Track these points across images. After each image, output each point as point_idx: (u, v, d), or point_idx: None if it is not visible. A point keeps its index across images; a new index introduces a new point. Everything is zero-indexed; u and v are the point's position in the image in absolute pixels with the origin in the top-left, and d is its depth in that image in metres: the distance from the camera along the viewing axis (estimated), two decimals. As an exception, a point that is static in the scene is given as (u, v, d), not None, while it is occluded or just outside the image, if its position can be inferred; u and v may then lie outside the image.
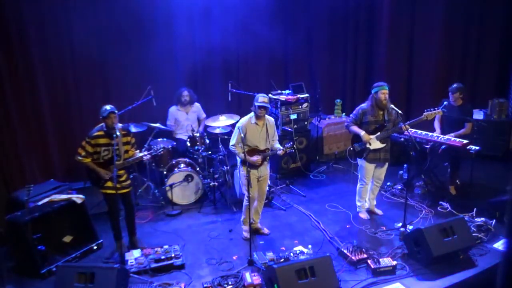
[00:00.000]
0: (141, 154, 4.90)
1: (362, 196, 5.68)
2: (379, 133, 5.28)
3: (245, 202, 5.17)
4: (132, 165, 5.27)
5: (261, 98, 4.90)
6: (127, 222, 5.09)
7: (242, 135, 4.89)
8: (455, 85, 5.92)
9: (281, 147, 5.09)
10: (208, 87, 7.47)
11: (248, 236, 4.99)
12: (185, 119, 6.75)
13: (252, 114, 5.04)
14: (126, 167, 4.92)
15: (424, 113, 5.23)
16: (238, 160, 5.20)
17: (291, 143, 5.13)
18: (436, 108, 5.25)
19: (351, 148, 5.58)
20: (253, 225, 5.21)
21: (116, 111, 4.68)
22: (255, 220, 5.35)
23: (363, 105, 5.39)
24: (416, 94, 8.11)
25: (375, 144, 5.31)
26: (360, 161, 5.50)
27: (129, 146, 4.87)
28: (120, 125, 4.77)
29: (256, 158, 4.97)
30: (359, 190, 5.65)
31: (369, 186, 5.64)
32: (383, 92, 5.17)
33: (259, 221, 5.43)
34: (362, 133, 5.29)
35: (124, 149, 4.78)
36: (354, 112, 5.47)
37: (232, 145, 5.03)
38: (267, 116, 5.08)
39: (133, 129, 5.96)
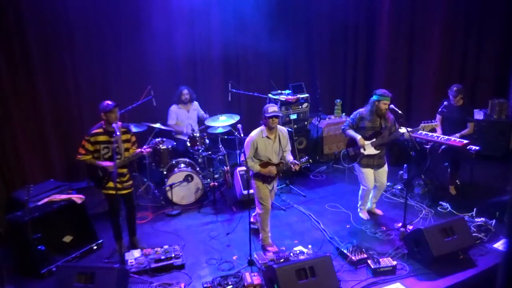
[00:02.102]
0: (140, 150, 4.86)
1: (365, 200, 5.67)
2: (374, 140, 5.26)
3: (261, 216, 4.95)
4: (133, 165, 5.25)
5: (271, 108, 4.70)
6: (127, 223, 5.09)
7: (253, 149, 4.76)
8: (455, 88, 5.88)
9: (296, 161, 4.80)
10: (208, 87, 7.48)
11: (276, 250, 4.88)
12: (186, 117, 6.74)
13: (262, 127, 4.80)
14: (128, 166, 4.90)
15: (420, 124, 5.21)
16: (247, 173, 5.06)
17: (307, 157, 4.97)
18: (433, 121, 5.24)
19: (346, 152, 5.58)
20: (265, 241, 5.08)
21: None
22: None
23: (361, 110, 5.36)
24: (416, 94, 8.12)
25: (369, 150, 5.28)
26: (356, 166, 5.47)
27: (130, 144, 4.85)
28: (119, 123, 4.76)
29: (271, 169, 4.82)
30: (361, 194, 5.61)
31: (371, 191, 5.58)
32: (385, 102, 5.12)
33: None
34: (359, 137, 5.26)
35: (124, 147, 4.76)
36: (351, 116, 5.45)
37: (243, 160, 4.77)
38: (279, 127, 4.86)
39: (134, 129, 5.96)
